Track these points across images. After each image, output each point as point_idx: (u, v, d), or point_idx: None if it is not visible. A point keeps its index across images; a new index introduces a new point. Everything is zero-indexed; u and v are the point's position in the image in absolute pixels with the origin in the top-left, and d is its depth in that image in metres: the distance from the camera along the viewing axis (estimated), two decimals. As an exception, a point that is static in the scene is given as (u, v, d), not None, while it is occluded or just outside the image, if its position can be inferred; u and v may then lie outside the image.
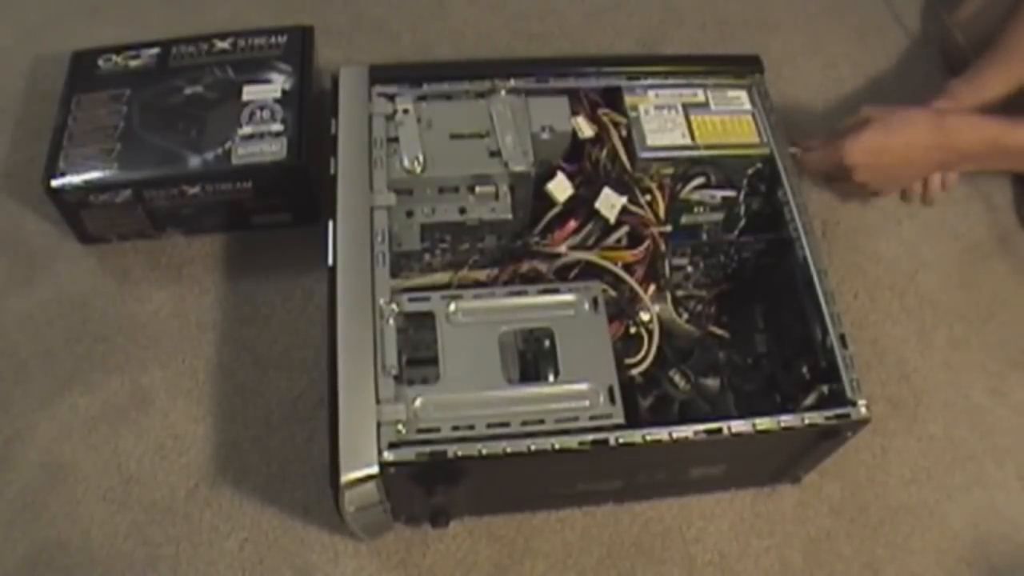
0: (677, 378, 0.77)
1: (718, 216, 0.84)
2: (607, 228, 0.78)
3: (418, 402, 0.67)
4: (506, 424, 0.66)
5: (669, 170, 0.80)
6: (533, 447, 0.65)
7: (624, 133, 0.81)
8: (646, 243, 0.78)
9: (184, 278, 0.93)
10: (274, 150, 0.89)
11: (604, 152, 0.81)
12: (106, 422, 0.85)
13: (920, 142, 0.82)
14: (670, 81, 0.83)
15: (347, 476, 0.63)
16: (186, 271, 0.94)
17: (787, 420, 0.69)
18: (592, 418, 0.67)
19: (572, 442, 0.66)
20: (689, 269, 0.86)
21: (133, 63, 0.95)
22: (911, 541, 0.84)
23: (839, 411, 0.70)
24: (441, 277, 0.78)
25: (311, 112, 0.92)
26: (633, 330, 0.77)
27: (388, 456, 0.63)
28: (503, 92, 0.80)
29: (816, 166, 0.87)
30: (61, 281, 0.93)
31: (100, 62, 0.95)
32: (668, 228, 0.80)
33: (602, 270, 0.77)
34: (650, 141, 0.79)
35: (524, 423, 0.67)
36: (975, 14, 1.06)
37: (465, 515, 0.81)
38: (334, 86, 0.80)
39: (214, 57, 0.95)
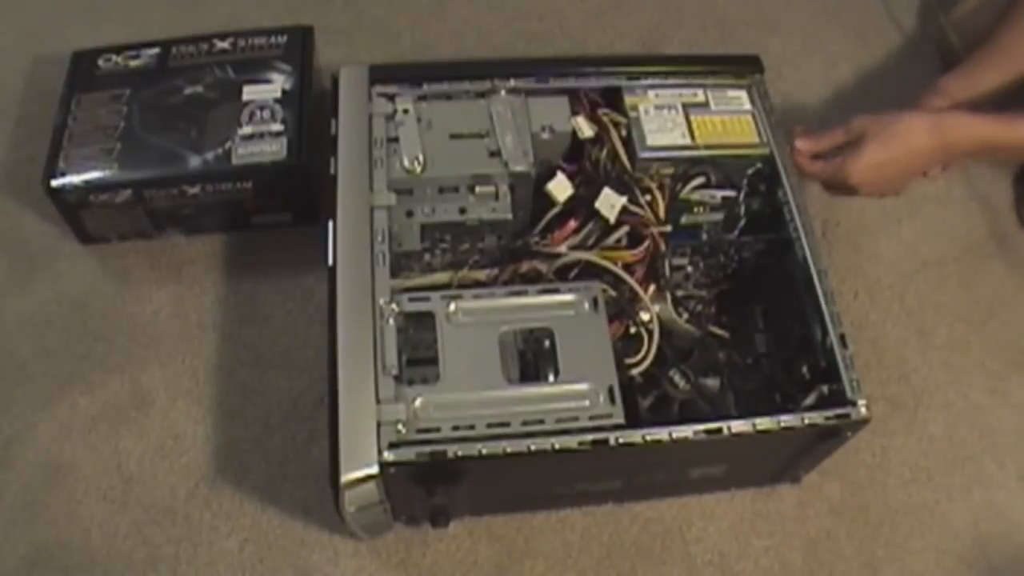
0: (677, 378, 0.77)
1: (718, 216, 0.84)
2: (607, 228, 0.78)
3: (418, 402, 0.67)
4: (506, 424, 0.66)
5: (669, 170, 0.80)
6: (533, 447, 0.65)
7: (624, 133, 0.81)
8: (646, 243, 0.78)
9: (184, 278, 0.93)
10: (274, 150, 0.89)
11: (604, 152, 0.81)
12: (106, 422, 0.85)
13: (920, 148, 0.82)
14: (670, 81, 0.83)
15: (347, 476, 0.63)
16: (186, 271, 0.94)
17: (787, 420, 0.69)
18: (592, 418, 0.67)
19: (572, 442, 0.66)
20: (689, 269, 0.86)
21: (133, 63, 0.95)
22: (911, 541, 0.84)
23: (839, 411, 0.70)
24: (441, 277, 0.78)
25: (311, 112, 0.92)
26: (633, 330, 0.77)
27: (388, 456, 0.63)
28: (503, 92, 0.80)
29: (819, 179, 0.86)
30: (61, 281, 0.93)
31: (100, 62, 0.95)
32: (668, 228, 0.80)
33: (602, 270, 0.77)
34: (650, 141, 0.79)
35: (524, 423, 0.67)
36: (969, 15, 1.06)
37: (465, 515, 0.81)
38: (334, 86, 0.80)
39: (214, 57, 0.95)
